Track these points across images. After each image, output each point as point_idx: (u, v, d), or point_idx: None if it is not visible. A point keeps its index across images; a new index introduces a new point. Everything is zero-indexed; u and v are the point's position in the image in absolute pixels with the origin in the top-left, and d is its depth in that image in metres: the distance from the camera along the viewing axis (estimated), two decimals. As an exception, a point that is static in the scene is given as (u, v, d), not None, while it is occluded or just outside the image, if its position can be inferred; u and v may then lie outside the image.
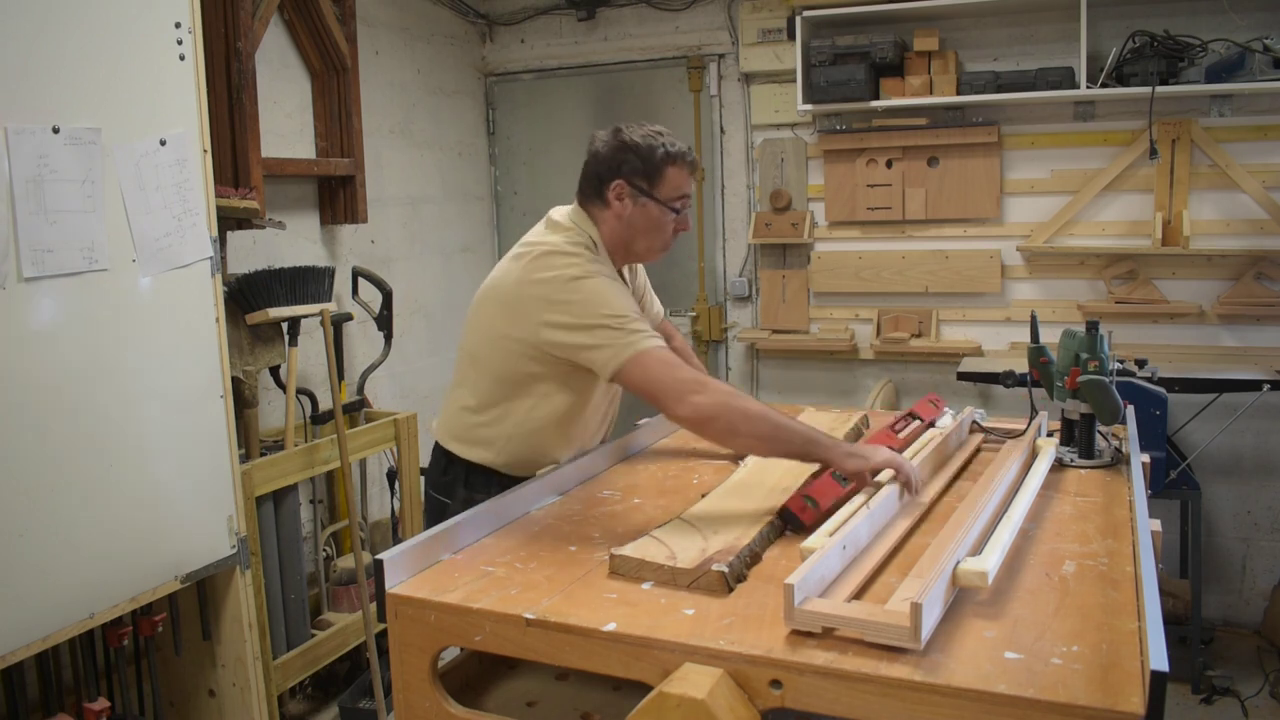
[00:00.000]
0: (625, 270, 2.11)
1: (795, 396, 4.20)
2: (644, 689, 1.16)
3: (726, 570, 1.34)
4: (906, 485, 1.63)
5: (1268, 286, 3.53)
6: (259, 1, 3.04)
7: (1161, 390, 3.12)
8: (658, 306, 2.27)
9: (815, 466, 1.75)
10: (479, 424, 2.01)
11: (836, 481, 1.65)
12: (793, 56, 3.84)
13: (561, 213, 2.02)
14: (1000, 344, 3.90)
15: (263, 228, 3.03)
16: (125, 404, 2.16)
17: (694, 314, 4.32)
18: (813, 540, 1.40)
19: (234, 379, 2.70)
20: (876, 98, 3.76)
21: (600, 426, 2.13)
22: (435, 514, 2.03)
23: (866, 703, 1.09)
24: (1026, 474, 1.76)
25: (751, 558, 1.44)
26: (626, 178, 1.92)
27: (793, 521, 1.59)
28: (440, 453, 2.10)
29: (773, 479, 1.78)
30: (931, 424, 2.14)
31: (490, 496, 1.75)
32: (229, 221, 2.85)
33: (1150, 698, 0.98)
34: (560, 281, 1.84)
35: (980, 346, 3.91)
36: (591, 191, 1.97)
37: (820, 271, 4.10)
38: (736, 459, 1.99)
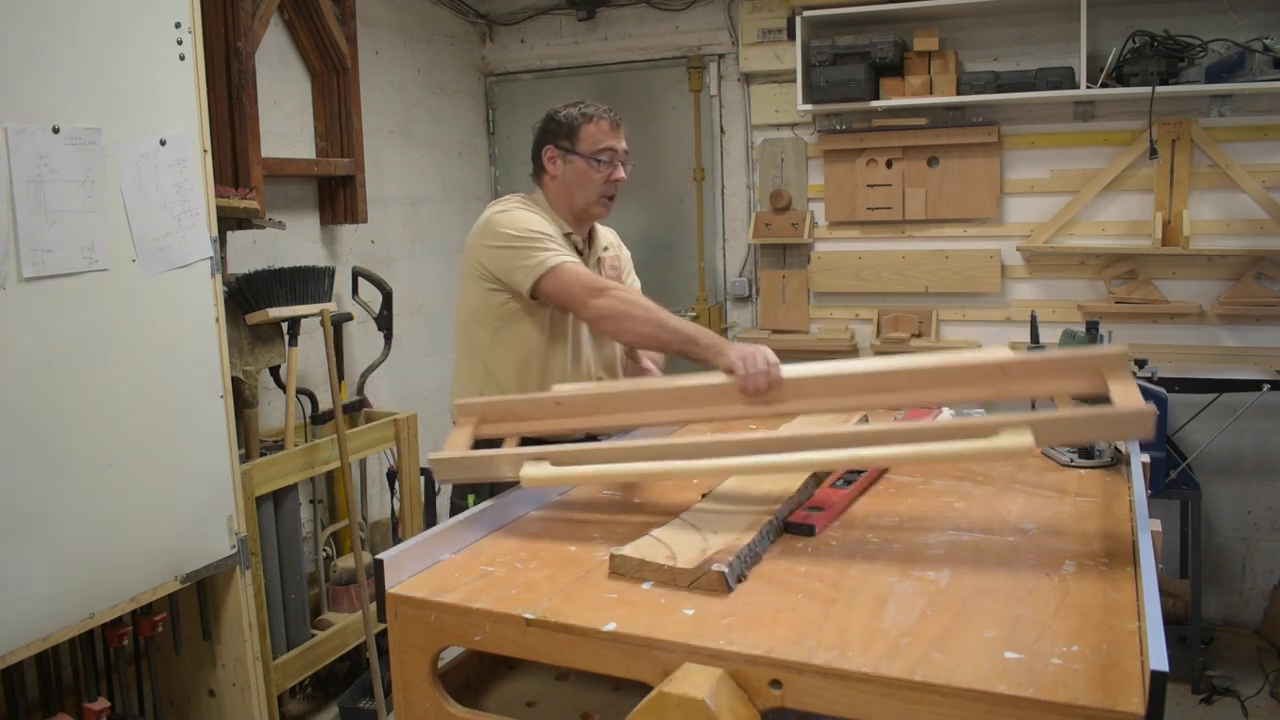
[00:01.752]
0: (601, 247, 2.32)
1: (795, 396, 4.19)
2: (644, 689, 1.16)
3: (726, 570, 1.34)
4: (744, 386, 1.78)
5: (1268, 286, 3.53)
6: (259, 1, 3.04)
7: (1161, 390, 3.12)
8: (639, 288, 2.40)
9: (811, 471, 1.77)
10: (464, 379, 2.22)
11: (836, 488, 1.67)
12: (793, 56, 3.84)
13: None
14: (1000, 344, 3.90)
15: (263, 228, 3.03)
16: (125, 404, 2.16)
17: (694, 314, 4.32)
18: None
19: (234, 379, 2.70)
20: (876, 98, 3.76)
21: (577, 367, 2.23)
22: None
23: (866, 703, 1.09)
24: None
25: (751, 558, 1.44)
26: (553, 142, 2.22)
27: (803, 531, 1.59)
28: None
29: (772, 479, 1.78)
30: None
31: None
32: (229, 221, 2.85)
33: (1150, 698, 0.98)
34: (491, 215, 2.17)
35: (980, 346, 3.90)
36: (535, 166, 2.28)
37: (820, 271, 4.10)
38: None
